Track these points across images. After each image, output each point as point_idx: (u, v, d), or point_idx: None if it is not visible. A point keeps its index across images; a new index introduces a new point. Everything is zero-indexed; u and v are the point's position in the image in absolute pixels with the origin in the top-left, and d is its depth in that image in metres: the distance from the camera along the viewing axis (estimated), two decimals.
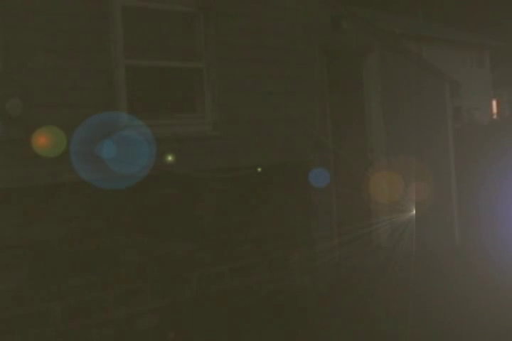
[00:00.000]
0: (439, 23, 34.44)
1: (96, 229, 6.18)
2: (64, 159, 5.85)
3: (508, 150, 12.19)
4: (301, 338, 6.62)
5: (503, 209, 10.50)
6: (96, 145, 6.09)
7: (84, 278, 6.05)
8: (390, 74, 9.69)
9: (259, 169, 7.51)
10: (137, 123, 6.44)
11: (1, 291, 5.57)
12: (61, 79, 5.99)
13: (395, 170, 9.27)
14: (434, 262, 9.16)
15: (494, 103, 33.97)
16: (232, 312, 6.92)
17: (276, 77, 7.83)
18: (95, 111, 6.13)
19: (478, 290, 7.66)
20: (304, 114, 8.16)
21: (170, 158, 6.66)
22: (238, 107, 7.42)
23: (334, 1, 9.00)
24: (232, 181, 7.28)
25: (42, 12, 5.89)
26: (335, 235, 8.61)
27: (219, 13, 7.22)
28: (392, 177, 9.26)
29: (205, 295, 6.90)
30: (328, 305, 7.39)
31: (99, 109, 6.17)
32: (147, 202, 6.57)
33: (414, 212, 9.04)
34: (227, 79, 7.28)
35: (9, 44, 5.67)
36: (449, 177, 10.83)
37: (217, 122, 7.20)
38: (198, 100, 7.19)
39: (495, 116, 30.83)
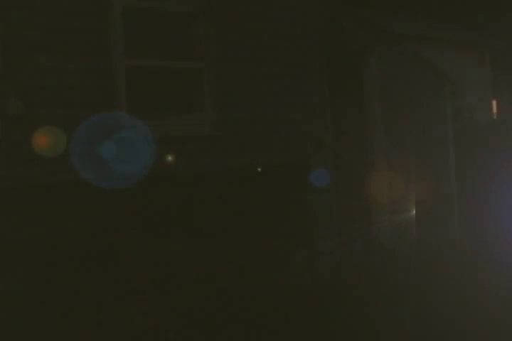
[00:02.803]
0: (439, 23, 34.42)
1: (96, 229, 6.18)
2: (64, 159, 5.85)
3: (508, 150, 12.18)
4: (301, 338, 6.62)
5: (503, 208, 10.50)
6: (96, 145, 6.09)
7: (84, 278, 6.05)
8: (390, 74, 9.69)
9: (259, 169, 7.51)
10: (137, 123, 6.44)
11: (1, 291, 5.57)
12: (61, 79, 5.99)
13: (395, 170, 9.27)
14: (434, 262, 9.15)
15: (494, 103, 33.90)
16: (232, 312, 6.92)
17: (276, 77, 7.83)
18: (95, 111, 6.13)
19: (478, 290, 7.66)
20: (304, 113, 8.16)
21: (170, 158, 6.66)
22: (238, 107, 7.42)
23: (334, 1, 9.00)
24: (232, 181, 7.28)
25: (42, 12, 5.89)
26: (335, 235, 8.61)
27: (219, 13, 7.22)
28: (392, 177, 9.26)
29: (205, 295, 6.90)
30: (328, 305, 7.39)
31: (99, 109, 6.17)
32: (147, 202, 6.57)
33: (414, 212, 9.05)
34: (227, 79, 7.28)
35: (9, 44, 5.67)
36: (449, 177, 10.84)
37: (217, 122, 7.20)
38: (198, 100, 7.19)
39: (495, 116, 30.74)
